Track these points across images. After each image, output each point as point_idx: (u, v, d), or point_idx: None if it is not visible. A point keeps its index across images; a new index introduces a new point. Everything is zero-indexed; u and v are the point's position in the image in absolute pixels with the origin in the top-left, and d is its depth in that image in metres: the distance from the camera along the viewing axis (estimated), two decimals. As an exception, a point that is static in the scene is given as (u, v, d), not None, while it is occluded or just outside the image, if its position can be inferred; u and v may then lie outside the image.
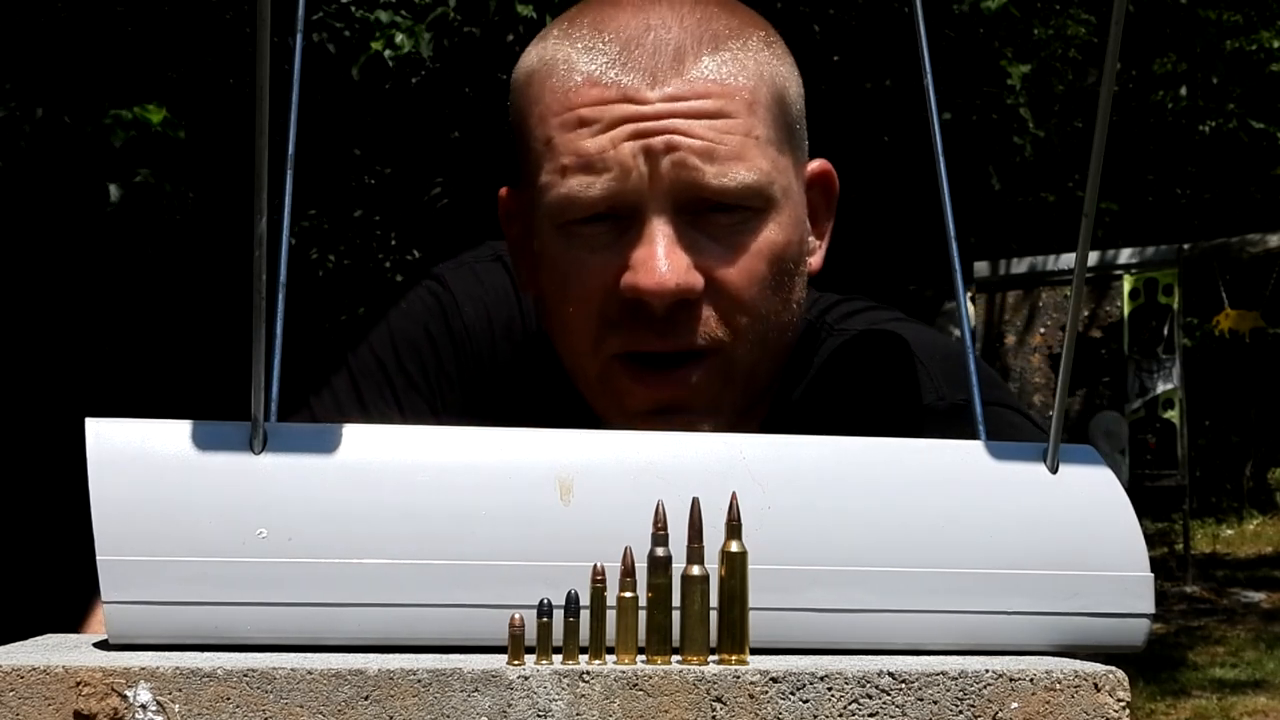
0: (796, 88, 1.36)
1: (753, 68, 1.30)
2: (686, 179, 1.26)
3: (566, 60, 1.30)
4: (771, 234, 1.30)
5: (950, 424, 1.32)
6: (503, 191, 1.41)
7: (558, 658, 0.84)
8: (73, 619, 1.33)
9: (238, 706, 0.80)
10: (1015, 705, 0.84)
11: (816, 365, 1.40)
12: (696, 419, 1.30)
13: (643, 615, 0.85)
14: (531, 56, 1.35)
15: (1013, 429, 1.31)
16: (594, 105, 1.28)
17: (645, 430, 1.28)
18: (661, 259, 1.26)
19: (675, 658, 0.85)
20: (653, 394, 1.30)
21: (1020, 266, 10.41)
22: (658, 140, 1.26)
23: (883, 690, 0.83)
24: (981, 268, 10.36)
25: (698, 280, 1.27)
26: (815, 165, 1.39)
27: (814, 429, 1.36)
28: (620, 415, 1.32)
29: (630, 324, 1.28)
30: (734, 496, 0.87)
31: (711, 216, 1.28)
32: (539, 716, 0.81)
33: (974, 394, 1.02)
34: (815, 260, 1.40)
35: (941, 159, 1.05)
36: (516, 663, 0.83)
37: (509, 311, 1.47)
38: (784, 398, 1.40)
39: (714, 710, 0.82)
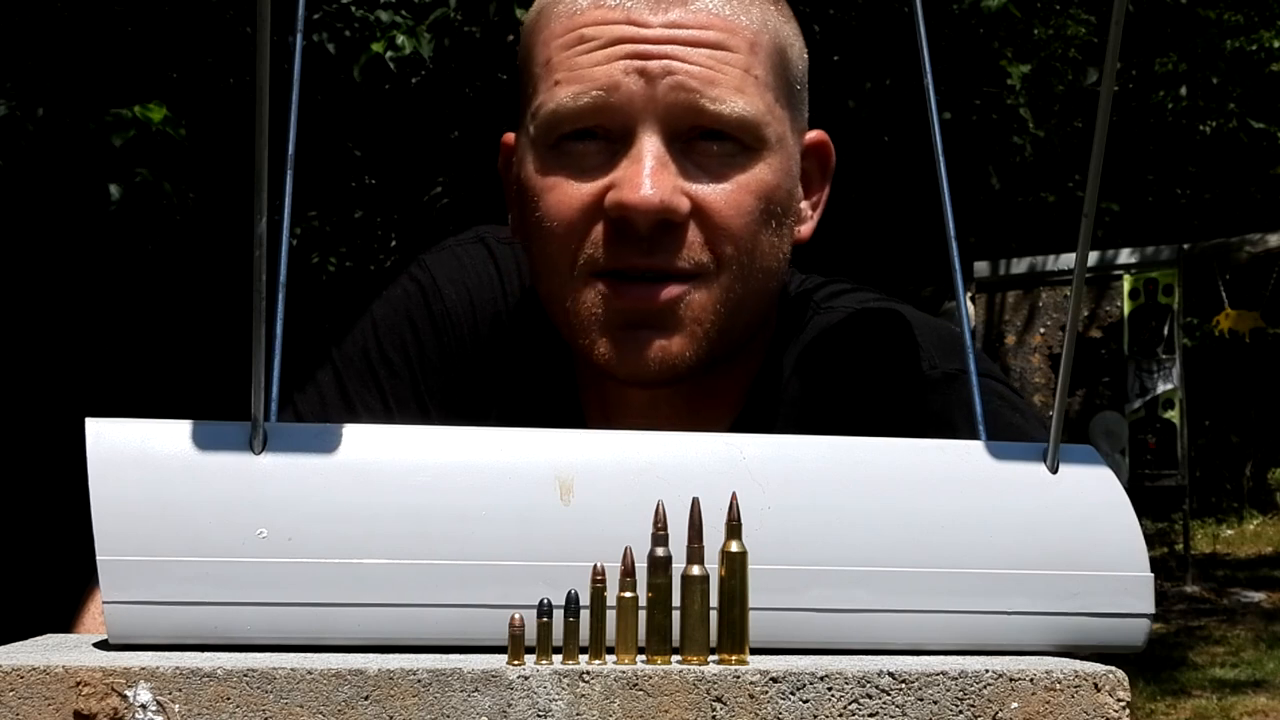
0: (800, 51, 1.37)
1: (757, 15, 1.32)
2: (684, 101, 1.27)
3: None
4: (761, 173, 1.30)
5: (944, 392, 1.32)
6: (507, 136, 1.42)
7: (558, 658, 0.84)
8: (72, 619, 1.33)
9: (238, 706, 0.80)
10: (1015, 705, 0.84)
11: (805, 340, 1.40)
12: (668, 338, 1.29)
13: (643, 615, 0.85)
14: None
15: (999, 399, 1.31)
16: (595, 25, 1.29)
17: (629, 383, 1.29)
18: (648, 177, 1.26)
19: (675, 658, 0.85)
20: (630, 305, 1.29)
21: (1020, 266, 10.41)
22: (655, 64, 1.27)
23: (883, 690, 0.83)
24: (981, 268, 10.36)
25: (683, 202, 1.27)
26: (813, 135, 1.40)
27: (806, 403, 1.37)
28: (593, 335, 1.30)
29: (613, 243, 1.28)
30: (734, 496, 0.87)
31: (703, 145, 1.29)
32: (539, 716, 0.81)
33: (975, 395, 1.02)
34: (806, 229, 1.40)
35: (941, 159, 1.05)
36: (516, 663, 0.83)
37: (491, 292, 1.46)
38: (770, 372, 1.40)
39: (714, 710, 0.82)
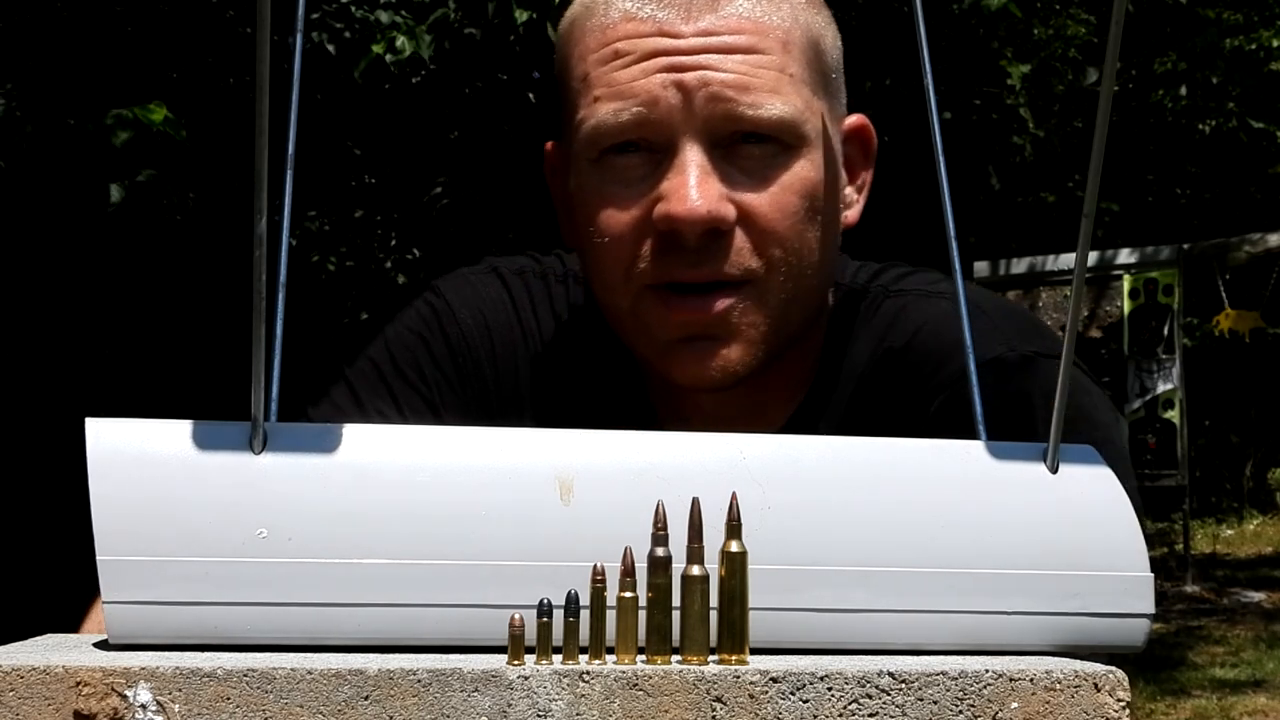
0: (833, 39, 1.38)
1: (787, 11, 1.33)
2: (721, 110, 1.29)
3: (606, 1, 1.34)
4: (803, 170, 1.32)
5: (1022, 374, 1.32)
6: (548, 145, 1.44)
7: (558, 658, 0.84)
8: (73, 619, 1.33)
9: (238, 706, 0.80)
10: (1015, 705, 0.83)
11: (880, 325, 1.41)
12: (726, 347, 1.31)
13: (643, 615, 0.85)
14: (575, 4, 1.38)
15: (1077, 384, 1.31)
16: (629, 39, 1.31)
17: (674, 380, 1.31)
18: (693, 188, 1.28)
19: (675, 658, 0.85)
20: (683, 319, 1.31)
21: (1020, 266, 10.41)
22: (691, 75, 1.29)
23: (883, 690, 0.83)
24: (981, 268, 10.36)
25: (730, 210, 1.29)
26: (853, 119, 1.42)
27: (883, 387, 1.37)
28: (652, 347, 1.34)
29: (662, 254, 1.30)
30: (734, 496, 0.87)
31: (744, 148, 1.30)
32: (539, 716, 0.81)
33: (974, 392, 1.02)
34: (853, 214, 1.42)
35: (941, 159, 1.05)
36: (516, 663, 0.83)
37: (506, 319, 1.48)
38: (834, 356, 1.41)
39: (714, 710, 0.82)
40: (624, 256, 1.31)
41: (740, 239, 1.30)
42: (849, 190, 1.41)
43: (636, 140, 1.30)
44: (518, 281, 1.50)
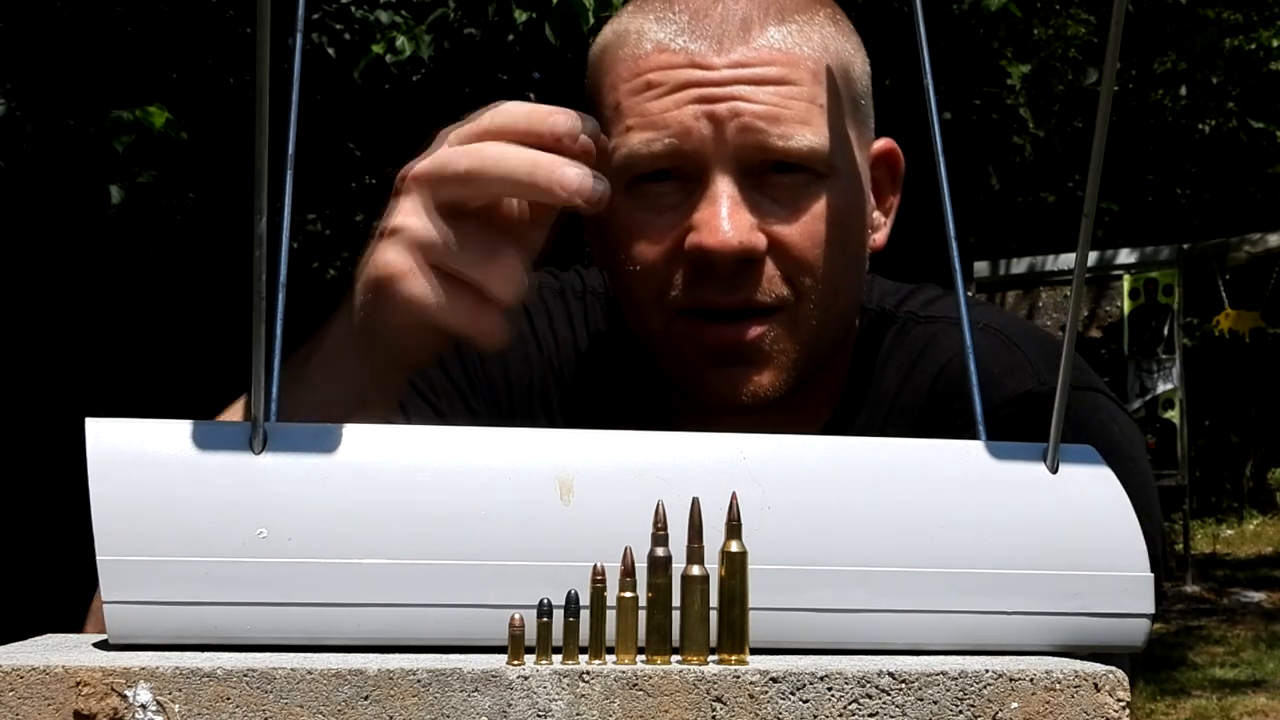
0: (862, 65, 1.40)
1: (818, 40, 1.34)
2: (752, 141, 1.29)
3: (638, 30, 1.35)
4: (832, 199, 1.33)
5: (1052, 408, 1.32)
6: None
7: (558, 658, 0.84)
8: (73, 619, 1.33)
9: (238, 706, 0.80)
10: (1015, 705, 0.83)
11: (913, 351, 1.41)
12: (759, 372, 1.32)
13: (643, 615, 0.85)
14: (607, 31, 1.39)
15: (1104, 413, 1.31)
16: (661, 70, 1.32)
17: (710, 387, 1.31)
18: (725, 218, 1.29)
19: (675, 658, 0.85)
20: (716, 344, 1.32)
21: (1020, 266, 10.41)
22: (722, 107, 1.30)
23: (883, 690, 0.83)
24: (981, 268, 10.36)
25: (761, 240, 1.30)
26: (881, 144, 1.43)
27: (913, 418, 1.37)
28: (684, 369, 1.35)
29: (695, 280, 1.31)
30: (734, 496, 0.87)
31: (774, 178, 1.31)
32: (539, 716, 0.81)
33: (974, 390, 1.02)
34: (880, 237, 1.43)
35: (941, 159, 1.05)
36: (516, 663, 0.83)
37: (520, 332, 1.47)
38: (861, 379, 1.42)
39: (714, 710, 0.82)
40: (656, 283, 1.32)
41: (771, 268, 1.31)
42: (876, 214, 1.43)
43: (669, 169, 1.31)
44: (534, 295, 1.50)
